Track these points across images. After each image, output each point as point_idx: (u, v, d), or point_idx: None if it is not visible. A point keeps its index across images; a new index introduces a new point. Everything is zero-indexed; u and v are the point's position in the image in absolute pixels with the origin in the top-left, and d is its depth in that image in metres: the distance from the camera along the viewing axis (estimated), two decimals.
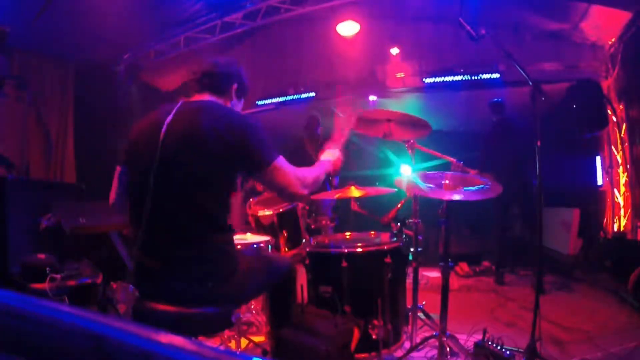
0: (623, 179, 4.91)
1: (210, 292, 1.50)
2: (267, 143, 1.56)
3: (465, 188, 2.27)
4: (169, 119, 1.55)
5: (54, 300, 0.67)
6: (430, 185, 2.27)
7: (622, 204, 4.90)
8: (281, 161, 1.57)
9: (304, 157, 4.46)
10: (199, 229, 1.51)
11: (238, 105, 1.81)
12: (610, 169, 5.11)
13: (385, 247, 2.20)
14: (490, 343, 2.14)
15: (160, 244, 1.50)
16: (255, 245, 2.34)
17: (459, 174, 2.45)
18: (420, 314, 2.58)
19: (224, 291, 1.53)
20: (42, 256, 2.72)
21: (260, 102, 6.47)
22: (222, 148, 1.48)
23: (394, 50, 5.90)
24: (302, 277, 2.27)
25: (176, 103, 1.63)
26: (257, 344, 2.50)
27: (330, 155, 1.94)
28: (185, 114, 1.56)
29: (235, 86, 1.74)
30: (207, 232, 1.52)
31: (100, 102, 5.86)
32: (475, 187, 2.29)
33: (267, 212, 2.61)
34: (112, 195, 1.75)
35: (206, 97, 1.68)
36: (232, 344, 2.44)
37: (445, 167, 2.83)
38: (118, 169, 1.73)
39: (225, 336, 2.51)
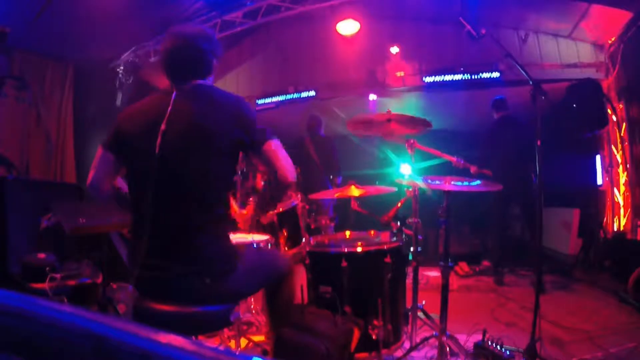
0: (623, 178, 4.92)
1: (209, 289, 1.50)
2: (262, 124, 1.60)
3: (465, 182, 2.27)
4: (169, 111, 1.51)
5: (53, 300, 0.67)
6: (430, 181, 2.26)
7: (622, 203, 4.90)
8: (279, 143, 1.60)
9: (305, 156, 4.46)
10: (199, 224, 1.50)
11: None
12: (610, 168, 5.12)
13: (385, 247, 2.20)
14: (490, 343, 2.14)
15: (162, 241, 1.50)
16: (255, 245, 2.34)
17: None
18: (420, 314, 2.58)
19: (221, 289, 1.53)
20: (42, 256, 2.72)
21: (260, 101, 6.48)
22: (223, 132, 1.49)
23: (394, 49, 5.90)
24: (302, 277, 2.26)
25: (169, 93, 1.56)
26: (256, 344, 2.50)
27: None
28: (184, 106, 1.52)
29: (215, 61, 1.68)
30: (207, 226, 1.52)
31: (100, 102, 5.87)
32: (475, 182, 2.29)
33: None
34: (91, 176, 1.64)
35: (197, 81, 1.62)
36: (232, 344, 2.44)
37: (445, 166, 2.83)
38: (100, 151, 1.63)
39: (225, 336, 2.51)
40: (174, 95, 1.55)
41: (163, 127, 1.48)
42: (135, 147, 1.54)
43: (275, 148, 1.59)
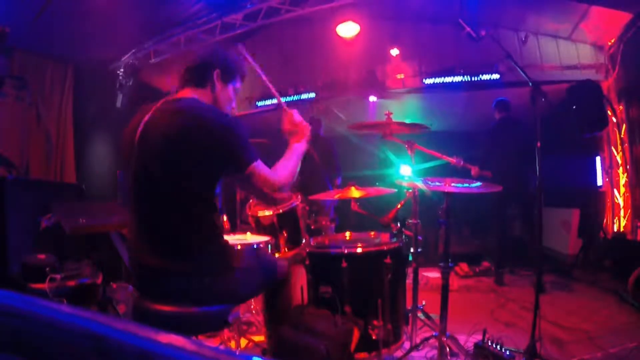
0: (623, 179, 4.92)
1: (205, 291, 1.50)
2: (246, 145, 1.52)
3: (465, 184, 2.27)
4: (145, 119, 1.53)
5: (53, 301, 0.67)
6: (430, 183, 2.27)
7: (622, 204, 4.90)
8: (259, 165, 1.54)
9: (305, 157, 4.44)
10: (186, 228, 1.50)
11: (228, 90, 1.71)
12: (610, 169, 5.12)
13: (385, 248, 2.20)
14: (490, 343, 2.14)
15: (151, 244, 1.52)
16: (255, 246, 2.34)
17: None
18: (420, 314, 2.58)
19: (219, 289, 1.54)
20: (42, 256, 2.72)
21: (260, 103, 6.48)
22: (200, 149, 1.45)
23: (394, 51, 5.91)
24: (302, 278, 2.27)
25: (156, 102, 1.59)
26: (257, 344, 2.50)
27: (296, 134, 1.83)
28: (163, 115, 1.52)
29: (217, 72, 1.65)
30: (192, 230, 1.52)
31: (100, 102, 5.87)
32: (475, 184, 2.29)
33: (267, 213, 2.60)
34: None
35: (188, 93, 1.63)
36: (232, 344, 2.44)
37: (445, 167, 2.83)
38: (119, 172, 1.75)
39: (225, 336, 2.51)
40: (158, 104, 1.58)
41: (138, 134, 1.51)
42: (124, 157, 1.59)
43: (259, 171, 1.52)
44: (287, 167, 1.67)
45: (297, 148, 1.78)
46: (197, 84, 1.65)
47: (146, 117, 1.54)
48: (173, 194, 1.48)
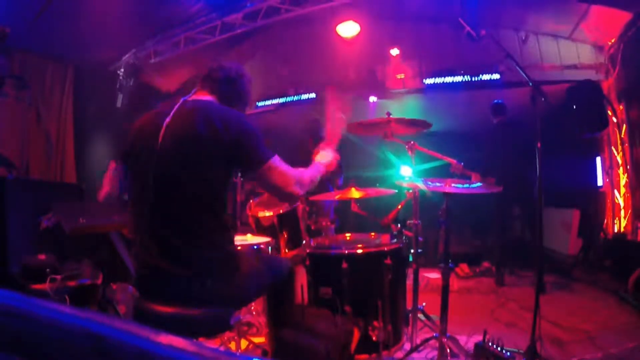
0: (623, 180, 4.91)
1: (211, 293, 1.50)
2: (262, 142, 1.55)
3: (465, 185, 2.27)
4: (167, 119, 1.54)
5: (54, 301, 0.67)
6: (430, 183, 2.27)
7: (622, 205, 4.89)
8: (276, 160, 1.56)
9: (306, 159, 4.43)
10: (199, 229, 1.50)
11: None
12: (610, 169, 5.11)
13: (386, 249, 2.20)
14: (490, 344, 2.13)
15: (161, 244, 1.50)
16: (255, 247, 2.34)
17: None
18: (420, 315, 2.58)
19: (224, 292, 1.53)
20: (42, 257, 2.72)
21: (260, 103, 6.48)
22: (217, 147, 1.48)
23: (394, 51, 5.90)
24: (302, 278, 2.27)
25: (176, 102, 1.61)
26: (257, 345, 2.49)
27: (324, 157, 1.92)
28: (183, 114, 1.55)
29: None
30: (207, 231, 1.52)
31: (100, 102, 5.87)
32: (475, 184, 2.29)
33: (268, 214, 2.60)
34: (105, 189, 1.72)
35: (207, 97, 1.66)
36: (232, 345, 2.43)
37: (446, 168, 2.82)
38: (113, 164, 1.71)
39: (226, 337, 2.51)
40: (178, 104, 1.59)
41: (162, 134, 1.52)
42: (139, 154, 1.58)
43: (276, 166, 1.55)
44: (306, 172, 1.71)
45: (319, 167, 1.85)
46: (227, 102, 1.68)
47: (168, 119, 1.54)
48: (191, 196, 1.49)
